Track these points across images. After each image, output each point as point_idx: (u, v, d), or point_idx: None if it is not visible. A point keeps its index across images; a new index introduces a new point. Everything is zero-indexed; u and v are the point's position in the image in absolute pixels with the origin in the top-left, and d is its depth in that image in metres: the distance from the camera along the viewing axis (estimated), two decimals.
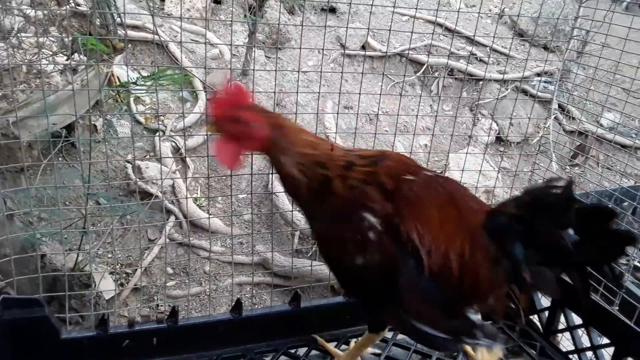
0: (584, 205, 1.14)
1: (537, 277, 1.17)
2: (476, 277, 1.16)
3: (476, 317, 1.20)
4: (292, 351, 1.64)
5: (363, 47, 5.19)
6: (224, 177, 3.88)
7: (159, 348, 1.56)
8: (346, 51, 4.96)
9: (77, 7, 3.64)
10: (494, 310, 1.24)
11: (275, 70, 1.86)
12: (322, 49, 1.95)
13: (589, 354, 1.69)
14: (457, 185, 1.32)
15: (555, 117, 4.45)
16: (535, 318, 1.90)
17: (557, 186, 1.12)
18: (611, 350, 1.58)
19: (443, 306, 1.17)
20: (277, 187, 3.76)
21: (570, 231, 1.11)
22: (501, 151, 4.87)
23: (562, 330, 1.78)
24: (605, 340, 1.60)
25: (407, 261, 1.14)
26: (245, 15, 4.60)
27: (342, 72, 2.10)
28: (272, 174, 3.75)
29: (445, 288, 1.15)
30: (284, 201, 3.73)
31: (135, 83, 2.38)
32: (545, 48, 5.95)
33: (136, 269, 3.20)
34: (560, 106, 4.82)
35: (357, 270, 1.19)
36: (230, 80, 1.27)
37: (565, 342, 1.85)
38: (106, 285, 2.66)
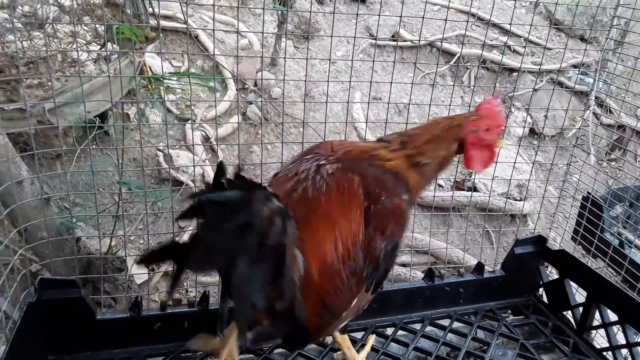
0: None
1: None
2: None
3: None
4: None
5: (393, 37, 5.13)
6: (252, 167, 3.90)
7: (190, 331, 1.58)
8: (376, 41, 4.91)
9: None
10: None
11: (307, 59, 1.85)
12: (354, 38, 1.92)
13: (624, 351, 1.65)
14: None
15: (592, 110, 4.33)
16: (568, 314, 1.86)
17: None
18: None
19: None
20: None
21: None
22: (535, 144, 4.76)
23: (596, 327, 1.74)
24: None
25: None
26: (274, 5, 4.59)
27: (373, 61, 2.08)
28: None
29: None
30: None
31: (166, 78, 2.41)
32: (582, 39, 5.77)
33: None
34: (597, 98, 4.68)
35: None
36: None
37: (599, 339, 1.82)
38: (138, 270, 2.71)
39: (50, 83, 2.80)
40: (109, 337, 1.57)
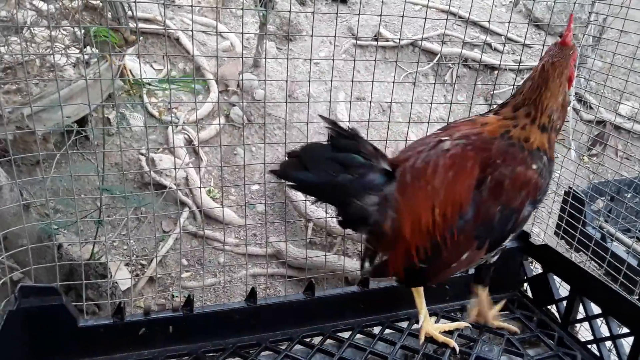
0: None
1: None
2: None
3: None
4: (307, 340, 1.64)
5: (375, 38, 5.15)
6: (236, 169, 3.88)
7: (175, 336, 1.56)
8: (358, 41, 4.92)
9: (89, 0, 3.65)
10: None
11: (287, 59, 1.84)
12: (334, 38, 1.92)
13: (608, 343, 1.66)
14: None
15: (572, 106, 4.38)
16: (553, 308, 1.87)
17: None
18: (631, 339, 1.55)
19: None
20: None
21: None
22: None
23: (580, 320, 1.75)
24: (625, 330, 1.57)
25: None
26: (255, 6, 4.58)
27: (354, 60, 2.07)
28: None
29: None
30: (297, 192, 3.72)
31: (149, 84, 2.38)
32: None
33: (151, 260, 3.22)
34: (577, 94, 4.74)
35: None
36: None
37: (583, 332, 1.83)
38: (122, 276, 2.68)
39: (28, 88, 2.76)
40: (92, 344, 1.54)
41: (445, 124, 1.58)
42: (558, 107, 1.41)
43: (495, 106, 1.54)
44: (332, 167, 1.29)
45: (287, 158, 1.31)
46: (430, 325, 1.63)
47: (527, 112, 1.41)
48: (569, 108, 1.46)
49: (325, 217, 3.36)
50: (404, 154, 1.45)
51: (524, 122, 1.41)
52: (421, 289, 1.60)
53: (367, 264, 1.49)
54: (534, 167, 1.37)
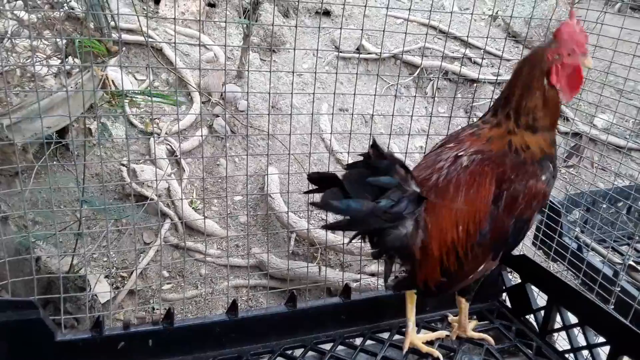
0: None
1: None
2: None
3: None
4: (289, 352, 1.64)
5: (357, 50, 5.20)
6: (219, 180, 3.87)
7: (155, 350, 1.55)
8: (341, 54, 4.97)
9: (72, 10, 3.63)
10: None
11: (270, 71, 1.86)
12: (317, 51, 1.95)
13: (585, 352, 1.69)
14: None
15: None
16: (531, 317, 1.90)
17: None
18: (607, 349, 1.57)
19: None
20: (273, 188, 3.76)
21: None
22: None
23: (558, 330, 1.78)
24: (601, 339, 1.60)
25: None
26: (239, 18, 4.60)
27: (336, 73, 2.10)
28: (267, 175, 3.75)
29: None
30: (279, 203, 3.72)
31: (131, 95, 2.38)
32: None
33: (132, 272, 3.19)
34: None
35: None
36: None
37: (561, 342, 1.86)
38: (102, 289, 2.64)
39: (8, 98, 2.73)
40: (70, 359, 1.52)
41: (447, 136, 1.58)
42: (538, 104, 1.39)
43: (480, 116, 1.56)
44: (374, 192, 1.26)
45: (318, 182, 1.27)
46: (415, 336, 1.65)
47: (506, 114, 1.42)
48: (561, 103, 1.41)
49: (308, 228, 3.37)
50: (424, 172, 1.45)
51: (512, 126, 1.41)
52: (415, 297, 1.62)
53: (390, 279, 1.52)
54: (543, 178, 1.41)
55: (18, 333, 1.46)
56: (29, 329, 1.47)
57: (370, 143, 1.27)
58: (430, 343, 1.68)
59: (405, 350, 1.62)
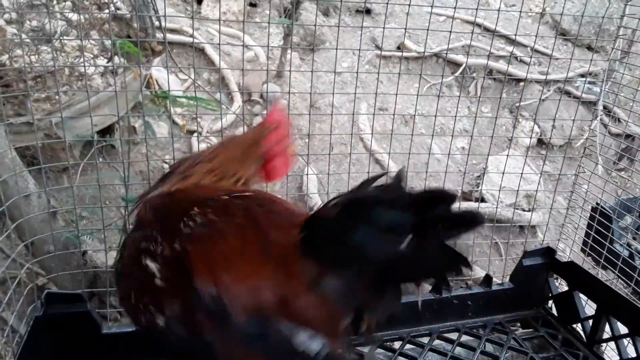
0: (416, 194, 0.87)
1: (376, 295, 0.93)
2: (300, 313, 0.92)
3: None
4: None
5: (399, 48, 5.14)
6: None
7: None
8: (381, 52, 4.92)
9: (118, 10, 3.74)
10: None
11: (312, 71, 1.86)
12: (359, 50, 1.93)
13: None
14: (259, 200, 1.14)
15: (600, 119, 4.31)
16: (578, 326, 1.83)
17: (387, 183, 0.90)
18: None
19: (275, 353, 0.93)
20: (311, 188, 3.76)
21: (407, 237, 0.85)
22: (543, 154, 4.73)
23: (606, 340, 1.71)
24: None
25: (210, 312, 0.92)
26: (280, 17, 4.62)
27: (378, 72, 2.08)
28: (306, 174, 3.75)
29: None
30: (317, 203, 3.72)
31: (173, 97, 2.42)
32: (589, 48, 5.76)
33: None
34: (605, 108, 4.65)
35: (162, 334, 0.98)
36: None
37: (609, 352, 1.79)
38: None
39: (57, 97, 2.83)
40: (115, 351, 1.56)
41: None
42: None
43: None
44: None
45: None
46: None
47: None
48: None
49: None
50: None
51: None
52: None
53: None
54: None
55: (66, 325, 1.51)
56: (77, 321, 1.52)
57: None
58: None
59: None
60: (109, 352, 1.55)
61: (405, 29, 1.83)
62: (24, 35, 3.13)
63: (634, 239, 2.45)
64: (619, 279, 2.19)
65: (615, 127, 4.55)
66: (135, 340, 1.56)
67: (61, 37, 3.10)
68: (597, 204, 2.22)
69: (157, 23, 3.26)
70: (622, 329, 1.67)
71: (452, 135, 1.95)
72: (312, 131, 4.14)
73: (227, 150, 1.29)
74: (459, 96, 4.75)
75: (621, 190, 2.35)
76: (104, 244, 1.92)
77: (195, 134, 3.85)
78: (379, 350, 1.67)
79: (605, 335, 1.72)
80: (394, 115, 2.03)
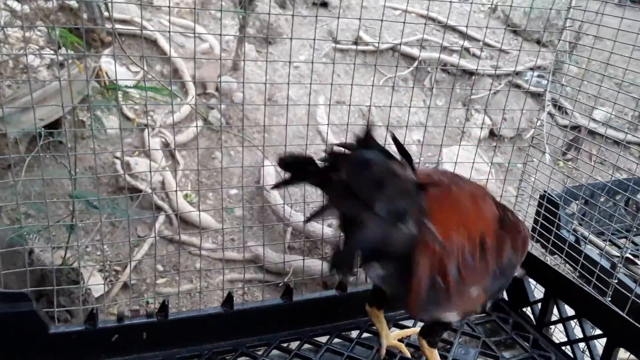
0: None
1: None
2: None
3: None
4: (285, 345, 1.62)
5: (355, 42, 5.17)
6: (214, 173, 3.85)
7: (149, 342, 1.53)
8: (338, 45, 4.93)
9: (64, 0, 3.59)
10: None
11: (266, 61, 1.83)
12: (314, 41, 1.92)
13: (582, 345, 1.69)
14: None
15: (548, 111, 4.46)
16: (528, 310, 1.89)
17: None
18: (603, 341, 1.57)
19: None
20: (269, 181, 3.74)
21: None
22: (494, 146, 4.87)
23: (555, 322, 1.77)
24: (598, 331, 1.59)
25: None
26: (235, 8, 4.55)
27: (333, 64, 2.08)
28: (263, 166, 3.72)
29: None
30: (275, 196, 3.70)
31: (125, 88, 2.34)
32: (538, 42, 5.95)
33: (126, 266, 3.16)
34: (553, 100, 4.82)
35: None
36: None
37: (558, 334, 1.85)
38: (95, 282, 2.62)
39: (0, 90, 2.70)
40: (63, 352, 1.51)
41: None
42: None
43: None
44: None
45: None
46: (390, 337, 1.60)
47: None
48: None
49: (304, 221, 3.35)
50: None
51: None
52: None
53: None
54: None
55: (10, 325, 1.44)
56: (22, 321, 1.45)
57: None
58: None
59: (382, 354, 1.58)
60: (57, 352, 1.49)
61: (359, 19, 1.84)
62: None
63: (580, 225, 2.55)
64: (566, 264, 2.27)
65: (562, 119, 4.73)
66: (84, 340, 1.51)
67: (4, 27, 2.95)
68: (545, 191, 2.29)
69: (106, 13, 3.16)
70: (570, 312, 1.73)
71: (407, 127, 1.97)
72: (270, 124, 4.11)
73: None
74: (413, 89, 4.82)
75: (568, 178, 2.43)
76: (51, 242, 1.85)
77: (147, 128, 3.76)
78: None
79: (554, 318, 1.78)
80: (350, 107, 2.02)
